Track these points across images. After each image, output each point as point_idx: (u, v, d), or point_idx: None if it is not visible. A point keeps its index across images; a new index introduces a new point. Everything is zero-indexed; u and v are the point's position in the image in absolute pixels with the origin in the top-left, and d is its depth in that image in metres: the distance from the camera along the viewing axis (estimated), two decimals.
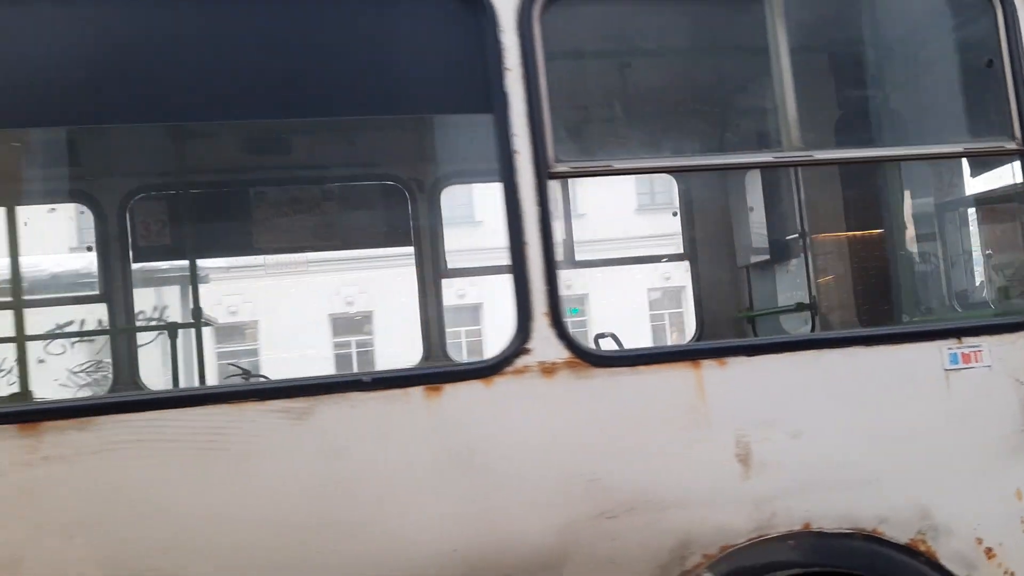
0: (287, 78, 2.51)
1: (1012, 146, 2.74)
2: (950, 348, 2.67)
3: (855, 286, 4.53)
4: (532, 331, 2.47)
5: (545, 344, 2.47)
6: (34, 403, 2.97)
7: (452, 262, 5.38)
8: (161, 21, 2.41)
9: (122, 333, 5.00)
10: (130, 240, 5.03)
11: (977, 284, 4.36)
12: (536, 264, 2.48)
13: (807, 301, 4.76)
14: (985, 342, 2.69)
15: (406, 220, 5.26)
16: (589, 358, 2.49)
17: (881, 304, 4.47)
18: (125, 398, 2.59)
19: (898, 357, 2.66)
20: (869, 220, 4.41)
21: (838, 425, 2.59)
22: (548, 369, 2.47)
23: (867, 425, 2.61)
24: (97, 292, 5.04)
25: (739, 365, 2.57)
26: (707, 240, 5.48)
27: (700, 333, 5.50)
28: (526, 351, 2.46)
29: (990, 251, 4.22)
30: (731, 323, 5.42)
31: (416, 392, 2.41)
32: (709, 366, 2.55)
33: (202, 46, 2.45)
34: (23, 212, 4.78)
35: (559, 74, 2.55)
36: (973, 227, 4.38)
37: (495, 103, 2.51)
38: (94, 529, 2.22)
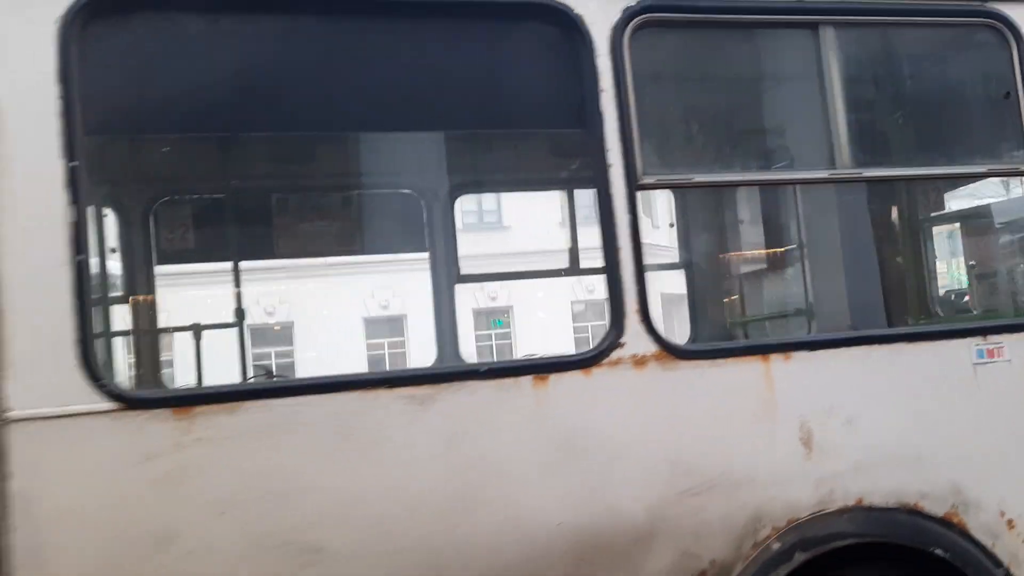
0: (410, 95, 2.74)
1: None
2: (977, 345, 3.04)
3: (849, 294, 4.91)
4: (625, 327, 2.74)
5: (636, 338, 2.74)
6: (188, 389, 3.10)
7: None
8: (307, 43, 2.62)
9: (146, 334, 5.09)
10: (153, 243, 5.12)
11: (960, 292, 4.80)
12: (628, 266, 2.76)
13: (803, 307, 5.13)
14: (1005, 340, 3.06)
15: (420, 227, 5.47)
16: (675, 351, 2.77)
17: (873, 311, 4.87)
18: (269, 385, 2.77)
19: (934, 352, 3.02)
20: (862, 234, 4.81)
21: (885, 412, 2.92)
22: (639, 361, 2.74)
23: (909, 412, 2.94)
24: (120, 294, 5.12)
25: (802, 359, 2.89)
26: (701, 250, 5.84)
27: (694, 338, 5.84)
28: (620, 345, 2.73)
29: (973, 262, 4.67)
30: (724, 329, 5.78)
31: (525, 381, 2.65)
32: (776, 359, 2.86)
33: (339, 65, 2.66)
34: None
35: (644, 94, 2.83)
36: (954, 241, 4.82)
37: (590, 121, 2.78)
38: (241, 506, 2.40)
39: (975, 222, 3.93)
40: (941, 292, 4.55)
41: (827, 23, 3.03)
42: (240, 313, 4.72)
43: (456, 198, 5.55)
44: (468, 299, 20.48)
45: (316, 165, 4.67)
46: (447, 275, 5.40)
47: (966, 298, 4.76)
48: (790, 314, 5.20)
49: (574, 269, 5.46)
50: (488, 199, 21.92)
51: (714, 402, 2.79)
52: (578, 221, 5.64)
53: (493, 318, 23.45)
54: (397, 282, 17.77)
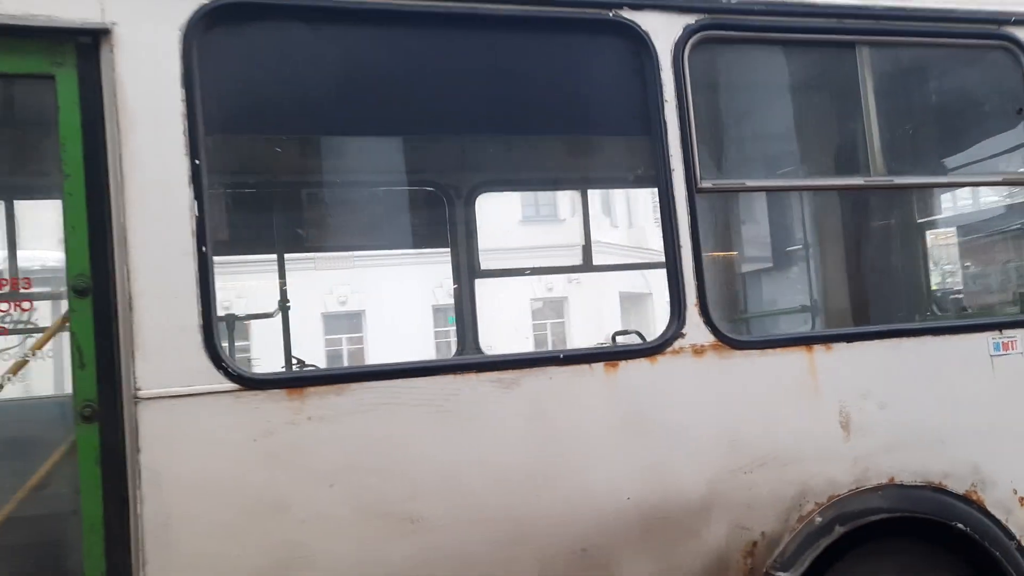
0: (500, 102, 2.96)
1: None
2: (993, 338, 3.34)
3: (850, 293, 5.23)
4: (686, 319, 2.99)
5: (696, 330, 3.00)
6: (300, 372, 3.28)
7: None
8: (404, 52, 2.83)
9: None
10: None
11: (956, 292, 5.13)
12: (688, 264, 3.01)
13: (808, 304, 5.44)
14: (1019, 334, 3.37)
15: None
16: (730, 342, 3.03)
17: (873, 308, 5.20)
18: (373, 369, 2.97)
19: (956, 344, 3.31)
20: (864, 236, 5.13)
21: (913, 398, 3.21)
22: (698, 350, 3.00)
23: (933, 398, 3.23)
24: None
25: (841, 349, 3.16)
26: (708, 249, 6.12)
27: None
28: (682, 335, 2.98)
29: (968, 264, 5.01)
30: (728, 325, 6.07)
31: (598, 367, 2.89)
32: (819, 349, 3.13)
33: (432, 73, 2.88)
34: None
35: (701, 105, 3.09)
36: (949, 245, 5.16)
37: (655, 129, 3.02)
38: (349, 479, 2.60)
39: (975, 228, 4.25)
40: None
41: (863, 43, 3.32)
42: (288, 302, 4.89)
43: (477, 196, 5.79)
44: (427, 296, 20.84)
45: (406, 164, 4.89)
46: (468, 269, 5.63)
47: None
48: (795, 310, 5.51)
49: (629, 265, 5.68)
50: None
51: (764, 388, 3.05)
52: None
53: (451, 315, 23.61)
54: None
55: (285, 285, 4.96)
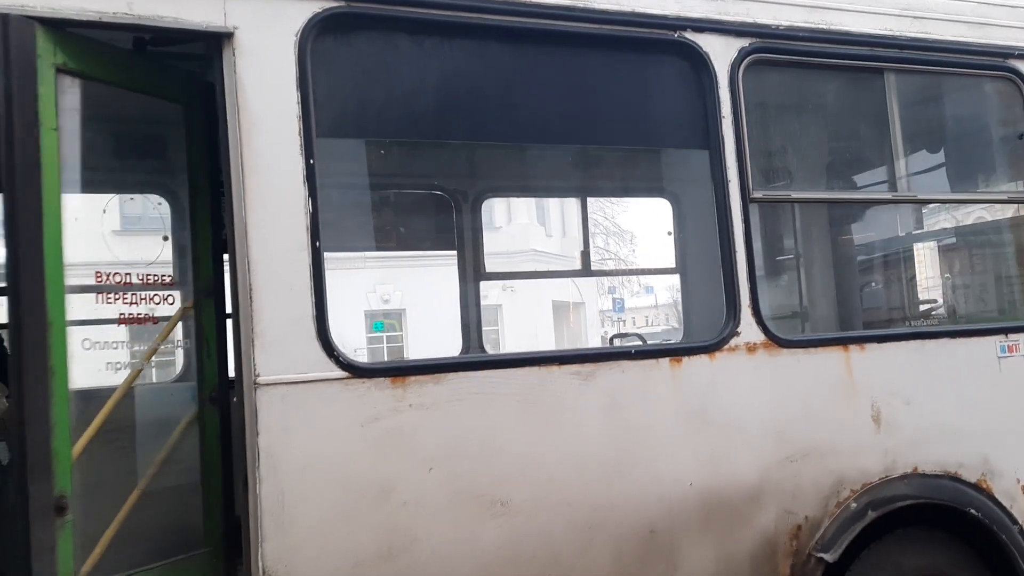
0: (566, 114, 3.17)
1: None
2: (1000, 341, 3.68)
3: (836, 301, 5.57)
4: (740, 319, 3.24)
5: (749, 329, 3.25)
6: (404, 361, 3.40)
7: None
8: (491, 64, 3.03)
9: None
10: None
11: (938, 301, 5.52)
12: (743, 269, 3.26)
13: (798, 310, 5.77)
14: (1021, 338, 3.71)
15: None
16: (780, 341, 3.28)
17: (858, 315, 5.55)
18: (469, 360, 3.14)
19: (970, 347, 3.63)
20: (851, 249, 5.48)
21: (935, 395, 3.51)
22: (751, 348, 3.24)
23: (952, 396, 3.55)
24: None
25: (873, 349, 3.45)
26: (696, 257, 6.41)
27: (688, 336, 6.41)
28: (737, 334, 3.23)
29: (948, 275, 5.40)
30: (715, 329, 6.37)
31: (665, 362, 3.12)
32: (854, 349, 3.41)
33: (514, 85, 3.07)
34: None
35: (753, 121, 3.35)
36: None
37: (712, 143, 3.27)
38: (445, 463, 2.76)
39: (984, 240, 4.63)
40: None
41: (890, 70, 3.64)
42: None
43: (483, 201, 5.98)
44: (362, 302, 21.02)
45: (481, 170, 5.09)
46: (474, 272, 5.81)
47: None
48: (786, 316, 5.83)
49: (631, 271, 5.92)
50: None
51: (808, 383, 3.32)
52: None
53: (381, 320, 23.95)
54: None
55: None
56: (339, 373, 2.66)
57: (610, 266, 28.39)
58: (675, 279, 6.49)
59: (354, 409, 2.67)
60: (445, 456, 2.77)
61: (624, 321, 38.86)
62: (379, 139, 3.84)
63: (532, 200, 22.00)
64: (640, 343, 5.93)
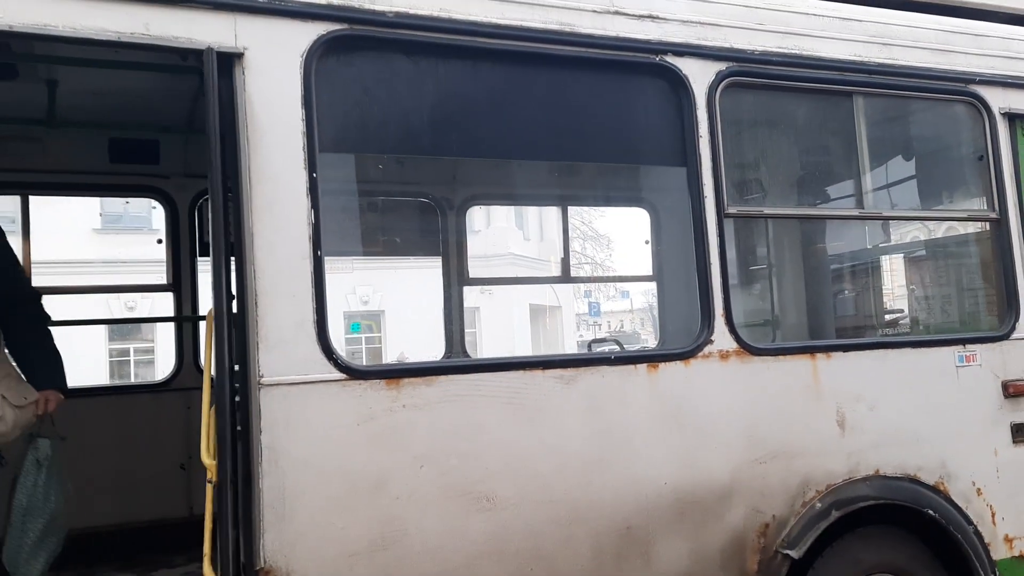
0: (553, 131, 3.35)
1: (993, 215, 4.05)
2: (958, 352, 3.90)
3: (808, 310, 5.79)
4: (714, 328, 3.43)
5: (722, 337, 3.44)
6: (397, 364, 3.55)
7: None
8: (481, 84, 3.21)
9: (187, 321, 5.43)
10: (197, 235, 5.48)
11: (902, 313, 5.75)
12: (717, 280, 3.45)
13: (769, 319, 5.99)
14: (978, 349, 3.93)
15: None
16: (751, 349, 3.48)
17: (826, 324, 5.78)
18: (458, 363, 3.30)
19: (930, 357, 3.85)
20: (822, 260, 5.71)
21: (896, 402, 3.72)
22: (724, 355, 3.44)
23: (912, 402, 3.76)
24: (165, 281, 5.45)
25: (838, 357, 3.66)
26: (671, 265, 6.62)
27: (663, 343, 6.62)
28: (710, 342, 3.42)
29: (913, 286, 5.64)
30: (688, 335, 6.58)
31: (642, 368, 3.30)
32: (821, 357, 3.61)
33: (502, 104, 3.25)
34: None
35: (728, 140, 3.55)
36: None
37: (691, 160, 3.46)
38: (436, 461, 2.93)
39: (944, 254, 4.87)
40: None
41: (858, 93, 3.86)
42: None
43: (468, 208, 6.17)
44: (341, 302, 21.19)
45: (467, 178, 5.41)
46: (457, 276, 5.99)
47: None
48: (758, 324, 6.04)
49: (611, 277, 6.13)
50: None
51: (777, 389, 3.51)
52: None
53: (359, 321, 24.12)
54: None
55: None
56: (337, 375, 2.82)
57: (587, 271, 28.64)
58: (650, 285, 6.71)
59: (351, 408, 2.83)
60: (435, 454, 2.93)
61: (600, 325, 39.20)
62: (377, 153, 4.00)
63: (511, 206, 22.25)
64: (618, 348, 6.14)
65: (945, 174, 4.34)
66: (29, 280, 3.83)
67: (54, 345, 3.76)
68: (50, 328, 3.78)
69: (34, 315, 3.75)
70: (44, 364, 3.67)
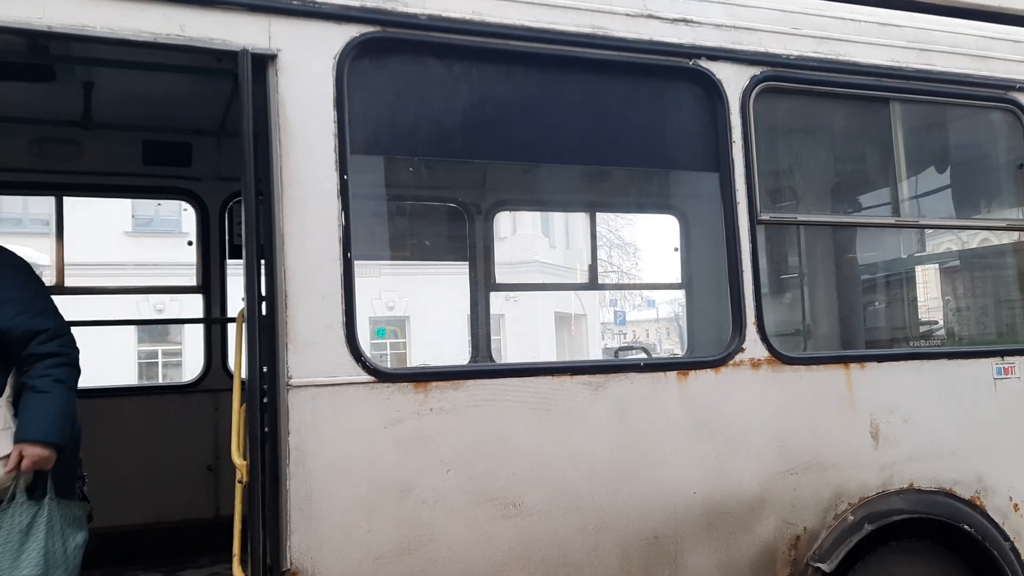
0: (585, 136, 3.33)
1: None
2: (996, 364, 3.81)
3: (840, 320, 5.71)
4: (745, 336, 3.38)
5: (753, 345, 3.39)
6: (425, 367, 3.55)
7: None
8: (514, 87, 3.20)
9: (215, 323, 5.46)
10: (227, 237, 5.51)
11: (939, 323, 5.66)
12: (749, 288, 3.40)
13: (801, 328, 5.91)
14: (1017, 361, 3.85)
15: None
16: (783, 358, 3.42)
17: (859, 333, 5.69)
18: (486, 368, 3.28)
19: (967, 368, 3.77)
20: (855, 269, 5.63)
21: (932, 414, 3.65)
22: (755, 364, 3.39)
23: (948, 415, 3.68)
24: (195, 283, 5.49)
25: (873, 368, 3.59)
26: (701, 273, 6.56)
27: (691, 351, 6.56)
28: (742, 350, 3.37)
29: (948, 297, 5.54)
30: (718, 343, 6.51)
31: (672, 375, 3.26)
32: (855, 367, 3.55)
33: (534, 108, 3.24)
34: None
35: (762, 146, 3.50)
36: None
37: (723, 165, 3.42)
38: (463, 465, 2.91)
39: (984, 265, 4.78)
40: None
41: (895, 99, 3.79)
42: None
43: (496, 214, 6.16)
44: (366, 308, 21.26)
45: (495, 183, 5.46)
46: (484, 282, 5.98)
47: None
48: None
49: (636, 285, 6.09)
50: None
51: (809, 399, 3.46)
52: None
53: (384, 327, 24.22)
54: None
55: None
56: (365, 377, 2.81)
57: (613, 279, 28.55)
58: (676, 294, 6.65)
59: (379, 411, 2.81)
60: (462, 458, 2.91)
61: (624, 334, 39.06)
62: (407, 156, 4.00)
63: (538, 212, 22.22)
64: (645, 355, 6.10)
65: (983, 182, 4.26)
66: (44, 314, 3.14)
67: (50, 386, 3.04)
68: (57, 366, 3.09)
69: (37, 354, 3.07)
70: (27, 410, 3.03)
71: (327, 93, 2.84)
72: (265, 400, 2.77)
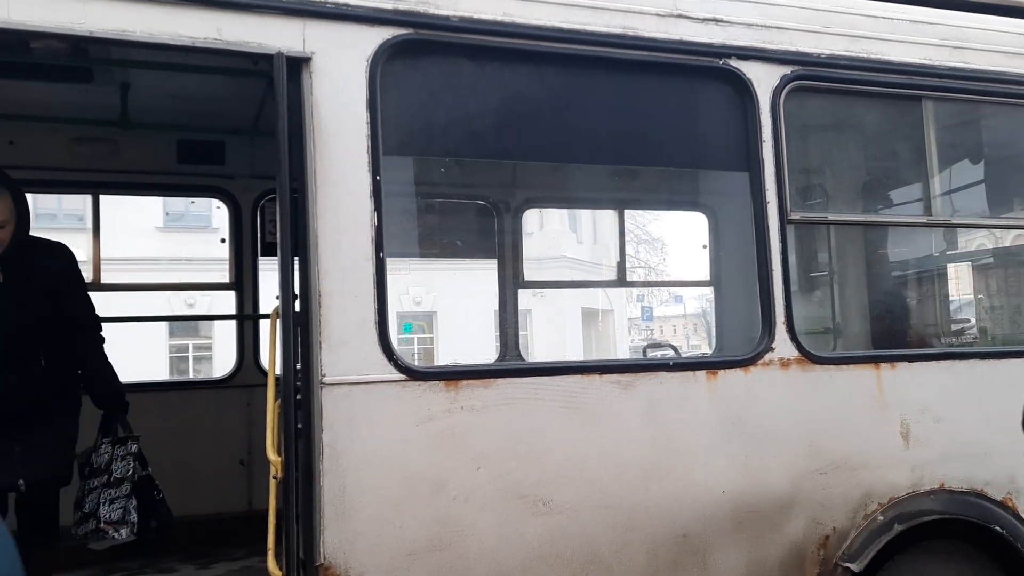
0: (616, 135, 3.34)
1: None
2: None
3: (871, 317, 5.67)
4: (775, 335, 3.38)
5: (783, 345, 3.39)
6: (456, 366, 3.60)
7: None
8: (546, 87, 3.22)
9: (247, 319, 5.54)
10: (259, 235, 5.59)
11: (971, 321, 5.60)
12: (779, 287, 3.40)
13: (831, 326, 5.87)
14: None
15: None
16: (813, 357, 3.42)
17: (890, 333, 5.65)
18: (516, 366, 3.32)
19: (1000, 368, 3.74)
20: (885, 267, 5.58)
21: (963, 414, 3.62)
22: (785, 363, 3.39)
23: (980, 415, 3.65)
24: (228, 280, 5.57)
25: (903, 368, 3.57)
26: (730, 271, 6.53)
27: (720, 349, 6.54)
28: (771, 349, 3.37)
29: (981, 295, 5.49)
30: (747, 342, 6.49)
31: (701, 374, 3.27)
32: (885, 367, 3.54)
33: (565, 108, 3.26)
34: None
35: (792, 145, 3.49)
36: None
37: (753, 165, 3.42)
38: (493, 463, 2.94)
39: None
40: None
41: (928, 97, 3.77)
42: None
43: (524, 211, 6.19)
44: (394, 303, 21.33)
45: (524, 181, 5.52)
46: (513, 278, 6.01)
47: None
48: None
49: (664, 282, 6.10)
50: None
51: (839, 399, 3.45)
52: None
53: (411, 323, 24.33)
54: None
55: None
56: (397, 375, 2.85)
57: (641, 275, 28.45)
58: (703, 289, 6.63)
59: (410, 409, 2.85)
60: (493, 456, 2.94)
61: (652, 330, 38.93)
62: (438, 156, 4.03)
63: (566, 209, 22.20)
64: (673, 353, 6.09)
65: (1016, 181, 4.21)
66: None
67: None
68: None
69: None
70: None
71: (360, 94, 2.88)
72: (299, 397, 2.81)
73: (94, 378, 3.84)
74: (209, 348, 23.25)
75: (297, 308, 2.84)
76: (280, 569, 2.79)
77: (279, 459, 2.76)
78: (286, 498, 2.73)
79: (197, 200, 15.53)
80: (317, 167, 2.81)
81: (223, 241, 5.63)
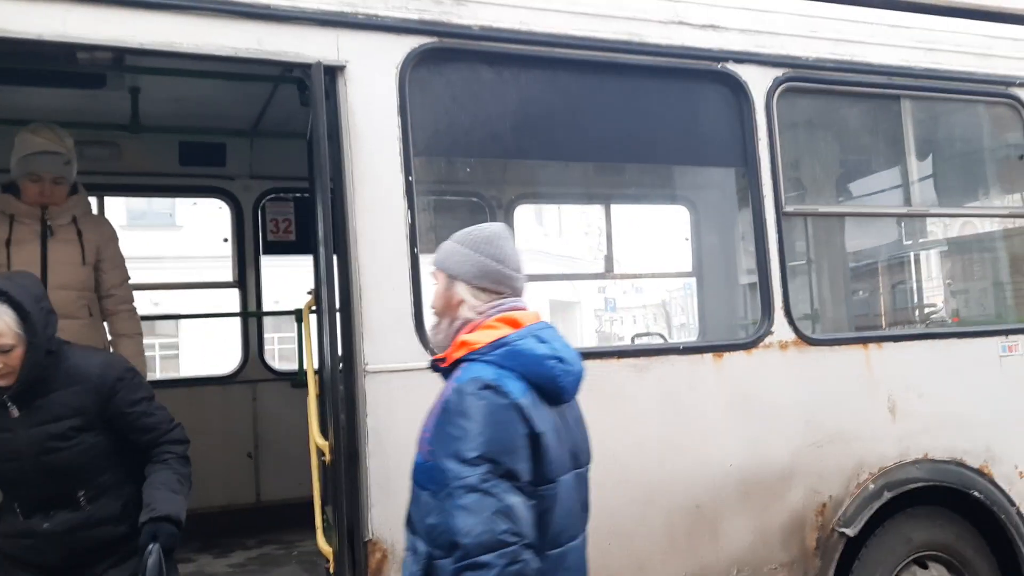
0: (621, 135, 3.57)
1: None
2: (1001, 342, 4.09)
3: (847, 302, 5.98)
4: (774, 320, 3.64)
5: (781, 328, 3.65)
6: None
7: None
8: (561, 91, 3.43)
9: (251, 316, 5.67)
10: (260, 234, 5.72)
11: (939, 305, 5.94)
12: (776, 275, 3.66)
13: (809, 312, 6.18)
14: (1020, 339, 4.13)
15: None
16: (808, 339, 3.68)
17: (865, 317, 5.97)
18: None
19: (975, 346, 4.05)
20: (860, 255, 5.90)
21: (944, 389, 3.92)
22: (783, 345, 3.65)
23: (958, 390, 3.95)
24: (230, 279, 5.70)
25: (890, 347, 3.86)
26: (711, 262, 6.81)
27: (703, 334, 6.82)
28: (771, 332, 3.63)
29: (950, 280, 5.83)
30: (729, 329, 6.78)
31: (708, 357, 3.52)
32: (873, 347, 3.82)
33: (576, 110, 3.48)
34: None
35: (785, 142, 3.75)
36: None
37: (750, 161, 3.67)
38: None
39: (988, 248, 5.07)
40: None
41: (906, 96, 4.06)
42: None
43: (516, 207, 6.41)
44: None
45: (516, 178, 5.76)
46: None
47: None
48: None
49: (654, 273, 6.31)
50: None
51: (833, 377, 3.72)
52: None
53: None
54: None
55: None
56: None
57: (614, 267, 28.65)
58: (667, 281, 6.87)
59: None
60: None
61: (614, 321, 39.38)
62: (464, 157, 4.22)
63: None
64: (661, 341, 6.36)
65: (986, 172, 4.53)
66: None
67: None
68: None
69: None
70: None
71: (391, 100, 3.06)
72: (341, 386, 2.99)
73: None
74: (176, 347, 23.10)
75: (337, 302, 3.01)
76: (330, 545, 2.97)
77: (327, 443, 2.94)
78: (335, 479, 2.90)
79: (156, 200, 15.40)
80: (354, 169, 2.99)
81: (225, 241, 5.75)
